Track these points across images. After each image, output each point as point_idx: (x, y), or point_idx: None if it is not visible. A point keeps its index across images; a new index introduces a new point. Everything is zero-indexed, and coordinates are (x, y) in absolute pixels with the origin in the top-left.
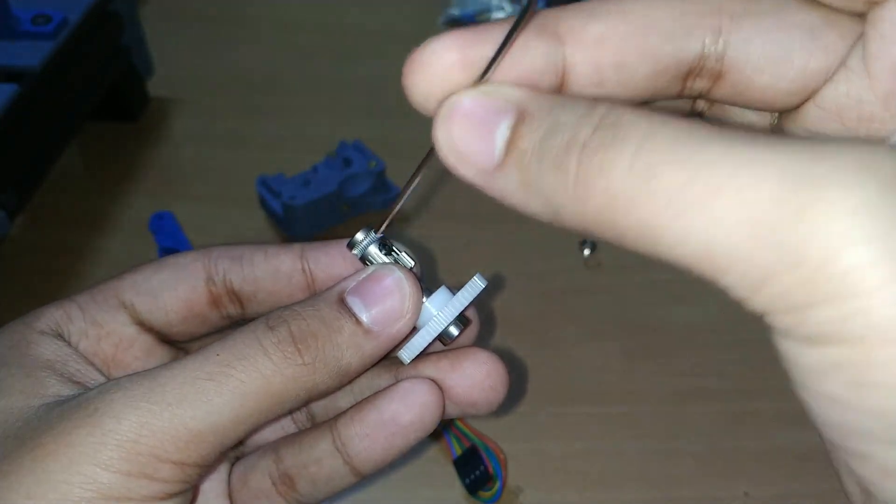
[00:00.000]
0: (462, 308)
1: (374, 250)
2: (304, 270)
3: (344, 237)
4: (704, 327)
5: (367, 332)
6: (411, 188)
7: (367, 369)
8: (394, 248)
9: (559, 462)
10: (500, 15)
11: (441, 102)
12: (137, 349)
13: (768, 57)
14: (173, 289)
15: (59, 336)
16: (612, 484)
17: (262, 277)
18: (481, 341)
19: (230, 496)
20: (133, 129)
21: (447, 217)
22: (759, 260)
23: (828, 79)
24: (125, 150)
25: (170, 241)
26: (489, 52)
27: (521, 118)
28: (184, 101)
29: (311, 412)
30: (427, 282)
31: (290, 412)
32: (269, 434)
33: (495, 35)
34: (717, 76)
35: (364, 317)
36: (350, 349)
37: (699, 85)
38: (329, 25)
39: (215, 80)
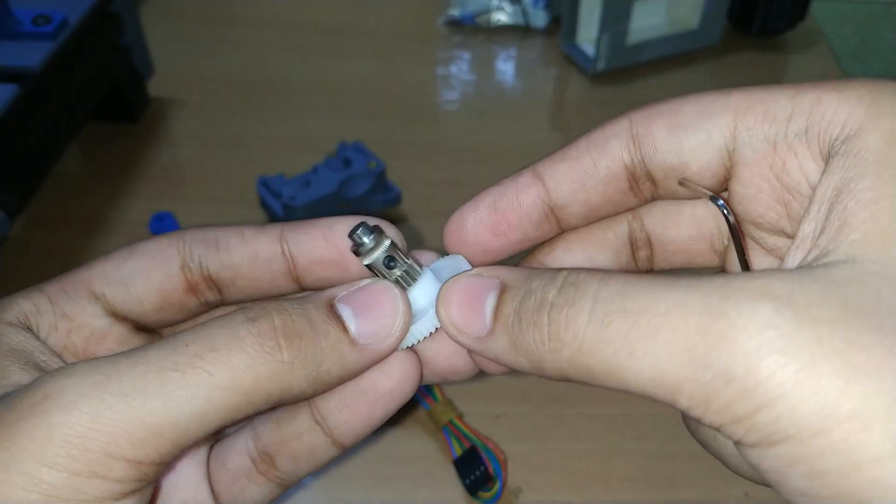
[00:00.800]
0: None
1: (380, 263)
2: (284, 254)
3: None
4: None
5: (352, 342)
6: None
7: (343, 383)
8: (401, 258)
9: (559, 463)
10: (499, 16)
11: (441, 288)
12: (111, 341)
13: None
14: (146, 277)
15: (27, 328)
16: (612, 485)
17: (240, 263)
18: None
19: (209, 480)
20: (133, 130)
21: (447, 217)
22: (699, 382)
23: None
24: (125, 150)
25: None
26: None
27: (503, 289)
28: (184, 101)
29: None
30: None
31: (259, 413)
32: None
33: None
34: (651, 179)
35: (352, 326)
36: (332, 356)
37: (645, 188)
38: (329, 26)
39: (215, 81)
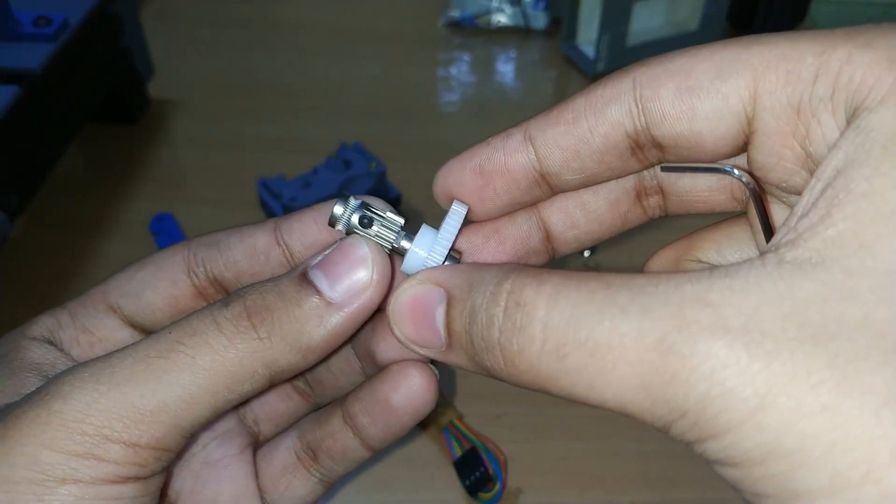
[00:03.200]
0: (452, 239)
1: (356, 226)
2: (279, 244)
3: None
4: None
5: (329, 304)
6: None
7: (342, 343)
8: (376, 212)
9: (559, 463)
10: (500, 17)
11: (388, 304)
12: None
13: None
14: (154, 286)
15: (50, 342)
16: (612, 485)
17: (240, 259)
18: None
19: (257, 478)
20: (133, 131)
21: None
22: (657, 413)
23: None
24: (126, 151)
25: (170, 243)
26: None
27: (449, 301)
28: (184, 102)
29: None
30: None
31: (257, 392)
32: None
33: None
34: (658, 146)
35: (326, 289)
36: (311, 322)
37: (651, 155)
38: (330, 27)
39: (216, 82)
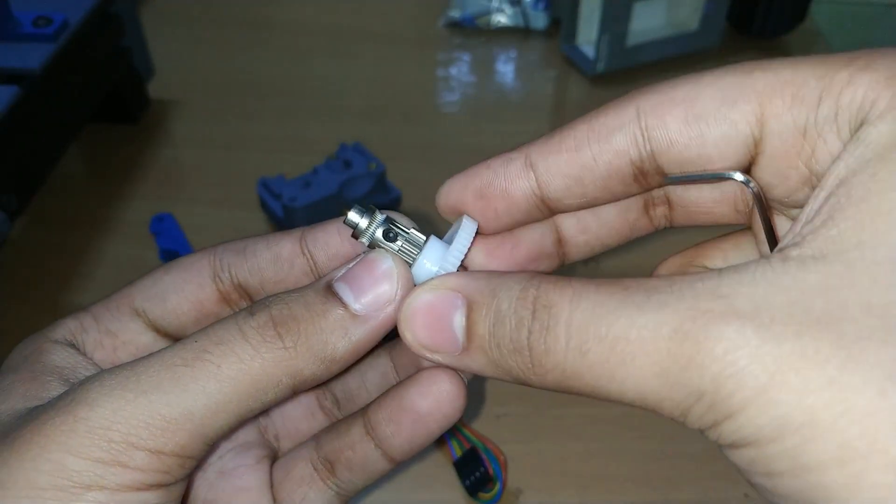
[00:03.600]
0: (466, 251)
1: (380, 240)
2: (303, 253)
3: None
4: None
5: (353, 316)
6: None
7: (362, 354)
8: (401, 228)
9: (559, 464)
10: (500, 17)
11: (400, 308)
12: None
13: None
14: (180, 290)
15: (72, 345)
16: (612, 485)
17: (264, 267)
18: None
19: (272, 489)
20: (134, 131)
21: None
22: (675, 398)
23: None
24: (126, 151)
25: (170, 243)
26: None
27: (470, 307)
28: (184, 102)
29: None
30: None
31: (279, 401)
32: (306, 428)
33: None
34: (661, 172)
35: (351, 301)
36: (336, 334)
37: (654, 180)
38: (330, 27)
39: (216, 82)
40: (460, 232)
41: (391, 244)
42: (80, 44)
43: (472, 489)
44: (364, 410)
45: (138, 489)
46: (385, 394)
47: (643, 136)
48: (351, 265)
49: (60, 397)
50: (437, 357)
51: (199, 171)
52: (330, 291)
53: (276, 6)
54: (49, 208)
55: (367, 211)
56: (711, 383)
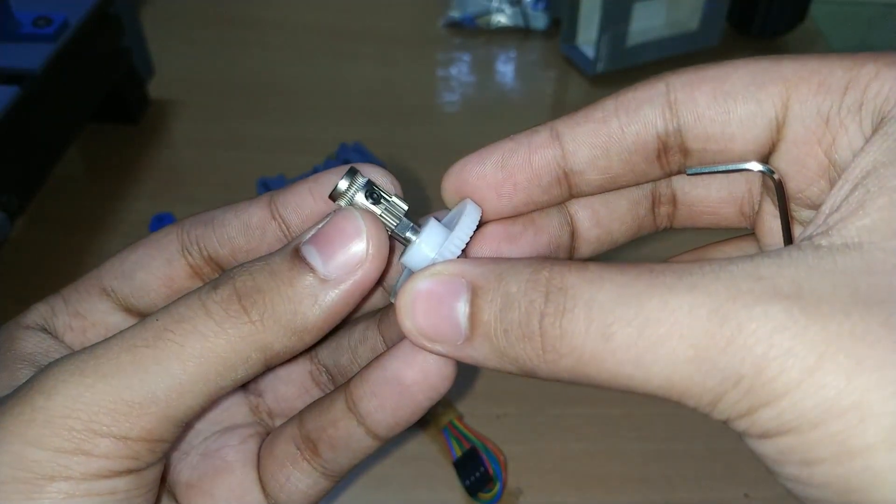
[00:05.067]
0: (469, 237)
1: (361, 199)
2: (274, 218)
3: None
4: None
5: (324, 281)
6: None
7: (338, 322)
8: (382, 194)
9: (559, 463)
10: (500, 17)
11: (398, 294)
12: None
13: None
14: (147, 266)
15: (44, 330)
16: (612, 486)
17: (234, 236)
18: None
19: (258, 468)
20: (134, 131)
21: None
22: (708, 385)
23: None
24: (126, 152)
25: None
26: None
27: (474, 292)
28: (184, 103)
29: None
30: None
31: (252, 376)
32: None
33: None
34: (684, 150)
35: (319, 266)
36: (305, 302)
37: (674, 161)
38: (330, 27)
39: (216, 82)
40: (464, 217)
41: (374, 209)
42: (80, 44)
43: (472, 489)
44: (346, 385)
45: (106, 477)
46: (367, 366)
47: (671, 109)
48: (319, 226)
49: (21, 386)
50: (438, 347)
51: (200, 170)
52: (297, 256)
53: (276, 6)
54: (49, 208)
55: (348, 172)
56: (752, 367)
